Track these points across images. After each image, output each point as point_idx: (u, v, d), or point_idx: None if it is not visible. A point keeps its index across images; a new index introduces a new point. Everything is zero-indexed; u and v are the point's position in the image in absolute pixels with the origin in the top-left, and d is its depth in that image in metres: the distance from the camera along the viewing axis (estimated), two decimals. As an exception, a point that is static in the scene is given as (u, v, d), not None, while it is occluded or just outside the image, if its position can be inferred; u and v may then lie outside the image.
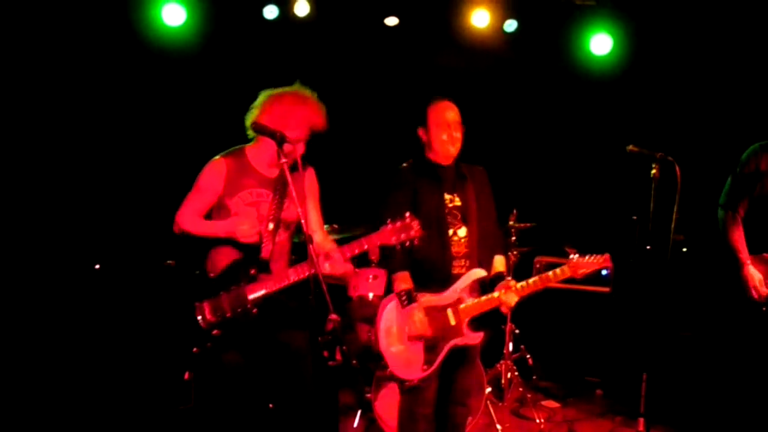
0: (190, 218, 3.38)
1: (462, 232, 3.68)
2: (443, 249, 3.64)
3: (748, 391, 4.49)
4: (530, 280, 3.62)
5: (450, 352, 3.56)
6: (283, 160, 3.04)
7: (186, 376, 3.87)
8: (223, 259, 3.36)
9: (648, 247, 3.70)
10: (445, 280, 3.63)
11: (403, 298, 3.55)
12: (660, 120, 6.00)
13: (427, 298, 3.58)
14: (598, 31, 6.22)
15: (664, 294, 4.15)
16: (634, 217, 5.32)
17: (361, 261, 5.00)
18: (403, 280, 3.59)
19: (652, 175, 3.93)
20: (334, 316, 2.78)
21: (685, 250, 5.60)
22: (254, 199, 3.41)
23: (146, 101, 5.81)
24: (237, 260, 3.34)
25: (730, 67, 5.81)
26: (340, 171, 6.22)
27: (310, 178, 3.58)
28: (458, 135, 3.73)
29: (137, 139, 5.81)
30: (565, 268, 3.62)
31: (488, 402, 4.74)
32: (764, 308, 4.17)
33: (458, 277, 3.62)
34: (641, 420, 3.39)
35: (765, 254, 4.25)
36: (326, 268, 3.25)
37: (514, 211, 5.32)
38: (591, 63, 6.29)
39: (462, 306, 3.58)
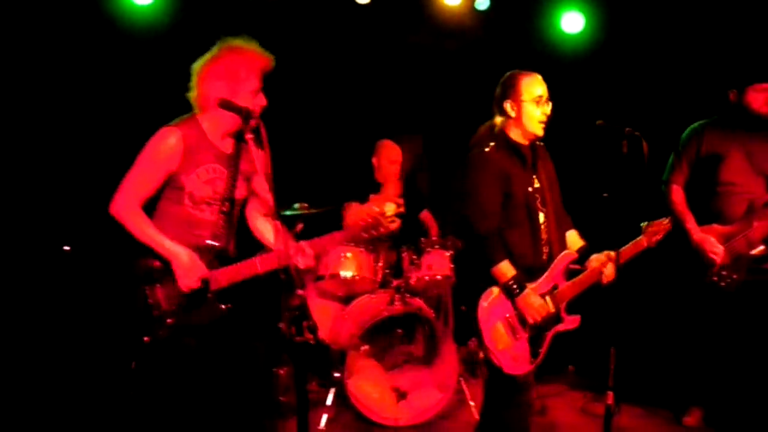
0: (133, 208, 3.05)
1: (541, 217, 3.55)
2: (534, 236, 3.52)
3: (710, 365, 4.59)
4: (623, 249, 3.55)
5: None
6: (249, 135, 2.95)
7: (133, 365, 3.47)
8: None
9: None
10: (536, 269, 3.53)
11: (514, 286, 3.40)
12: (632, 98, 6.01)
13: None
14: (569, 10, 6.22)
15: (633, 270, 4.19)
16: (605, 195, 5.34)
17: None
18: (508, 269, 3.41)
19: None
20: (301, 293, 2.77)
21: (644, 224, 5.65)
22: (211, 176, 3.15)
23: (112, 81, 5.70)
24: (198, 244, 3.11)
25: (700, 44, 5.83)
26: (309, 150, 6.22)
27: (267, 154, 3.25)
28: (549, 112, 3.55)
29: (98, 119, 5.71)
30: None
31: (461, 379, 4.75)
32: (722, 284, 4.26)
33: (544, 263, 3.53)
34: (610, 393, 3.41)
35: (714, 225, 4.41)
36: (300, 262, 3.12)
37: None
38: (563, 41, 6.29)
39: (558, 291, 3.52)
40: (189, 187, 3.12)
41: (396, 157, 5.43)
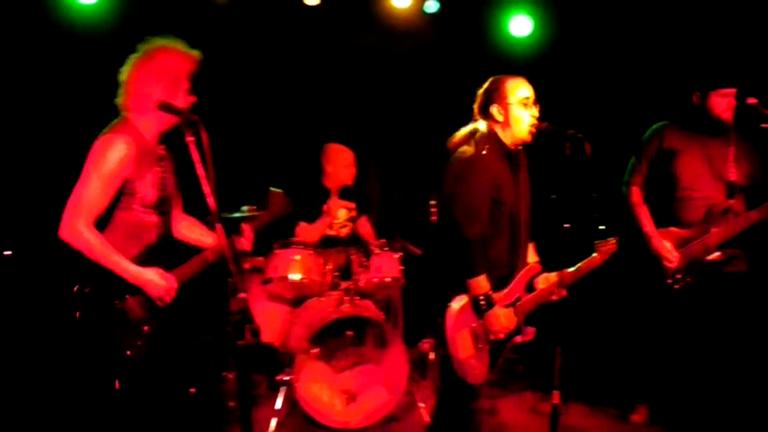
0: (90, 229, 2.90)
1: (522, 225, 3.54)
2: (513, 245, 3.50)
3: (661, 364, 4.65)
4: (577, 267, 3.51)
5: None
6: (190, 138, 2.90)
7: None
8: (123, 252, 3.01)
9: (566, 226, 3.75)
10: (509, 278, 3.49)
11: (483, 303, 3.36)
12: (580, 101, 6.07)
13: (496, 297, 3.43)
14: (518, 13, 6.28)
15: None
16: (553, 196, 5.40)
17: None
18: (484, 284, 3.37)
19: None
20: (242, 296, 2.74)
21: (602, 228, 5.71)
22: (155, 178, 3.12)
23: (55, 82, 5.59)
24: (149, 248, 3.10)
25: (648, 48, 5.92)
26: (257, 152, 6.18)
27: (208, 156, 3.29)
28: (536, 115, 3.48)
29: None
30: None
31: (410, 380, 4.75)
32: (676, 286, 4.30)
33: (516, 273, 3.50)
34: (556, 393, 3.44)
35: (672, 228, 4.40)
36: (244, 244, 3.22)
37: (434, 194, 5.32)
38: (511, 45, 6.35)
39: (520, 304, 3.48)
40: (141, 192, 3.07)
41: (348, 161, 5.42)
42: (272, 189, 3.58)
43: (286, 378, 4.55)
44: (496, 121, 3.48)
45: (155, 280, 3.03)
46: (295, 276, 4.74)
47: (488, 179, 3.40)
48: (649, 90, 5.88)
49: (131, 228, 3.06)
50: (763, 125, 4.10)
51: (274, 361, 4.93)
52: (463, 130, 3.63)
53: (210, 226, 2.90)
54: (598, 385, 5.24)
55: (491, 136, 3.50)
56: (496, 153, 3.47)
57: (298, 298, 4.93)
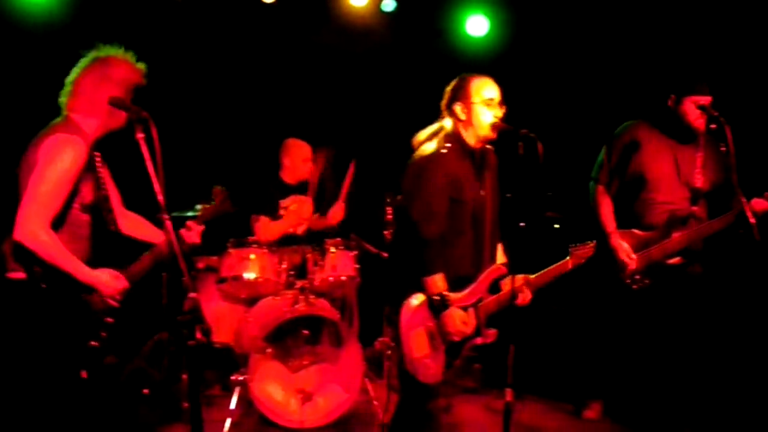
0: (48, 231, 2.87)
1: (485, 225, 3.49)
2: (476, 245, 3.46)
3: (614, 361, 4.71)
4: (545, 270, 3.45)
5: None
6: (141, 135, 2.88)
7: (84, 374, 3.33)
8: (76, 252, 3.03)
9: (522, 224, 3.79)
10: (472, 278, 3.43)
11: (437, 302, 3.31)
12: (536, 101, 6.11)
13: (453, 297, 3.36)
14: (474, 13, 6.31)
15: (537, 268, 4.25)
16: (508, 195, 5.43)
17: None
18: (440, 283, 3.32)
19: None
20: (193, 295, 2.72)
21: (557, 226, 5.78)
22: (94, 180, 3.14)
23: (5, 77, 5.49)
24: (87, 246, 3.10)
25: (605, 48, 5.97)
26: (214, 150, 6.13)
27: (157, 153, 3.21)
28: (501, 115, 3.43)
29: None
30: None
31: (366, 379, 4.76)
32: (634, 286, 4.31)
33: (479, 274, 3.44)
34: (509, 390, 3.44)
35: (634, 230, 4.37)
36: (193, 237, 3.25)
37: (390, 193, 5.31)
38: (468, 44, 6.37)
39: (481, 305, 3.42)
40: (84, 192, 3.07)
41: (307, 155, 5.41)
42: (216, 186, 3.58)
43: (241, 378, 4.51)
44: (459, 119, 3.45)
45: (107, 280, 3.03)
46: (249, 275, 4.71)
47: (447, 178, 3.38)
48: (606, 90, 5.94)
49: (69, 226, 3.05)
50: (713, 126, 4.13)
51: (229, 361, 4.90)
52: (429, 129, 3.60)
53: (160, 223, 2.87)
54: (552, 381, 5.30)
55: (454, 135, 3.48)
56: (456, 151, 3.45)
57: (252, 297, 4.89)
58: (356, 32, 6.19)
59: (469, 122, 3.43)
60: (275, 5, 6.02)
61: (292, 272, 4.92)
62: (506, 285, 3.44)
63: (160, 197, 2.81)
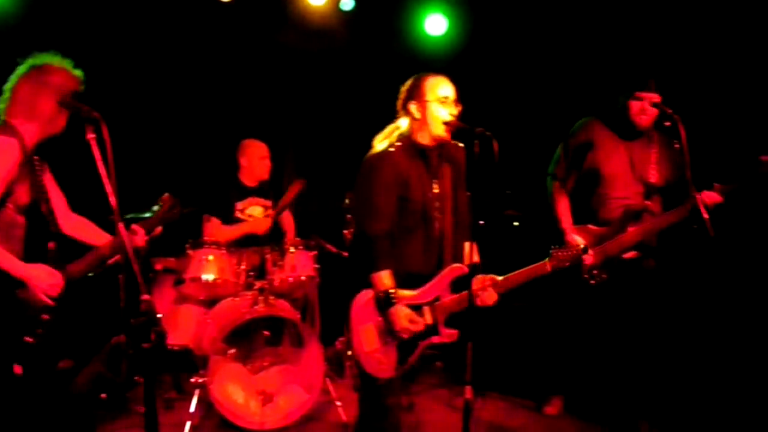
0: None
1: (437, 224, 3.45)
2: (427, 243, 3.43)
3: (575, 357, 4.76)
4: (517, 272, 3.38)
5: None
6: (92, 135, 2.88)
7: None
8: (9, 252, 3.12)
9: (481, 222, 3.80)
10: (426, 277, 3.41)
11: (383, 299, 3.30)
12: (495, 99, 6.15)
13: (404, 295, 3.34)
14: (433, 12, 6.32)
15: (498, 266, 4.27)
16: (468, 193, 5.45)
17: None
18: (387, 280, 3.30)
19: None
20: (146, 297, 2.69)
21: (516, 224, 5.82)
22: (30, 183, 3.20)
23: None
24: (20, 246, 3.16)
25: (561, 46, 6.02)
26: (170, 150, 6.07)
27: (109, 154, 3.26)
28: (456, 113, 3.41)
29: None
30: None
31: (327, 379, 4.74)
32: (592, 281, 4.35)
33: (435, 272, 3.41)
34: (468, 388, 3.45)
35: (589, 225, 4.42)
36: (137, 241, 3.25)
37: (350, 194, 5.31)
38: (427, 43, 6.39)
39: (439, 304, 3.38)
40: (19, 193, 3.14)
41: (264, 154, 5.39)
42: (165, 194, 3.58)
43: (201, 380, 4.48)
44: (415, 119, 3.44)
45: (39, 276, 3.07)
46: (208, 276, 4.67)
47: (395, 176, 3.37)
48: (563, 88, 5.99)
49: (3, 226, 3.13)
50: (666, 123, 4.18)
51: (189, 364, 4.86)
52: (387, 128, 3.60)
53: (112, 225, 2.85)
54: (514, 378, 5.33)
55: (408, 134, 3.47)
56: (407, 150, 3.44)
57: (211, 298, 4.86)
58: (314, 31, 6.17)
59: (424, 121, 3.42)
60: (232, 4, 5.98)
61: (251, 273, 4.89)
62: (476, 284, 3.37)
63: (112, 199, 2.81)
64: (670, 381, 4.51)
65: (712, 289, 4.98)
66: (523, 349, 5.43)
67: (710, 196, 4.07)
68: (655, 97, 4.27)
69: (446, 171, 3.54)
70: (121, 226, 2.79)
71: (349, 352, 5.14)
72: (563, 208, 4.54)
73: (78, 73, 3.29)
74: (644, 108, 4.30)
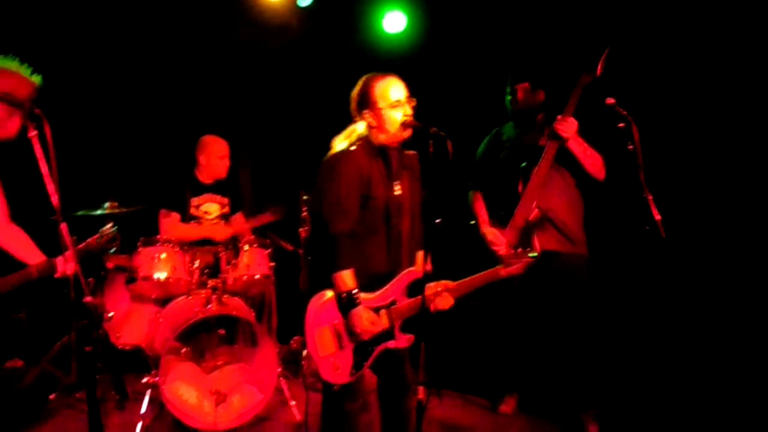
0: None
1: (398, 224, 3.44)
2: (390, 244, 3.41)
3: (523, 353, 4.81)
4: (470, 278, 3.43)
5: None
6: (34, 132, 2.81)
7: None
8: None
9: (438, 221, 3.80)
10: (388, 277, 3.39)
11: (345, 299, 3.28)
12: (453, 98, 6.13)
13: (363, 297, 3.31)
14: (392, 9, 6.29)
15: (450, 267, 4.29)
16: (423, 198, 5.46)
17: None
18: (349, 279, 3.28)
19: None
20: (89, 299, 2.64)
21: (472, 222, 5.82)
22: None
23: None
24: None
25: (523, 43, 6.03)
26: (124, 148, 5.99)
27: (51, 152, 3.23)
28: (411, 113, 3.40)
29: None
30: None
31: (281, 378, 4.71)
32: (515, 281, 4.34)
33: (395, 274, 3.40)
34: (420, 388, 3.45)
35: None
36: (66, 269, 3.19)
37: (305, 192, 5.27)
38: (384, 40, 6.36)
39: (395, 308, 3.38)
40: None
41: (223, 152, 5.31)
42: (107, 225, 3.57)
43: (152, 380, 4.42)
44: (371, 126, 3.43)
45: None
46: (160, 275, 4.62)
47: (357, 174, 3.35)
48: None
49: None
50: (620, 125, 4.19)
51: (141, 363, 4.79)
52: (345, 130, 3.57)
53: (55, 225, 2.79)
54: (469, 376, 5.35)
55: (366, 136, 3.46)
56: (367, 150, 3.42)
57: (164, 297, 4.80)
58: (272, 27, 6.11)
59: (381, 127, 3.40)
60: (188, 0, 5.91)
61: (205, 271, 4.84)
62: (429, 290, 3.37)
63: (54, 198, 2.73)
64: (616, 371, 4.60)
65: (663, 289, 5.04)
66: (479, 347, 5.44)
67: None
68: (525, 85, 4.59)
69: (405, 175, 3.52)
70: (64, 226, 2.72)
71: (305, 352, 5.11)
72: (479, 208, 4.81)
73: (35, 79, 3.19)
74: (519, 95, 4.63)
